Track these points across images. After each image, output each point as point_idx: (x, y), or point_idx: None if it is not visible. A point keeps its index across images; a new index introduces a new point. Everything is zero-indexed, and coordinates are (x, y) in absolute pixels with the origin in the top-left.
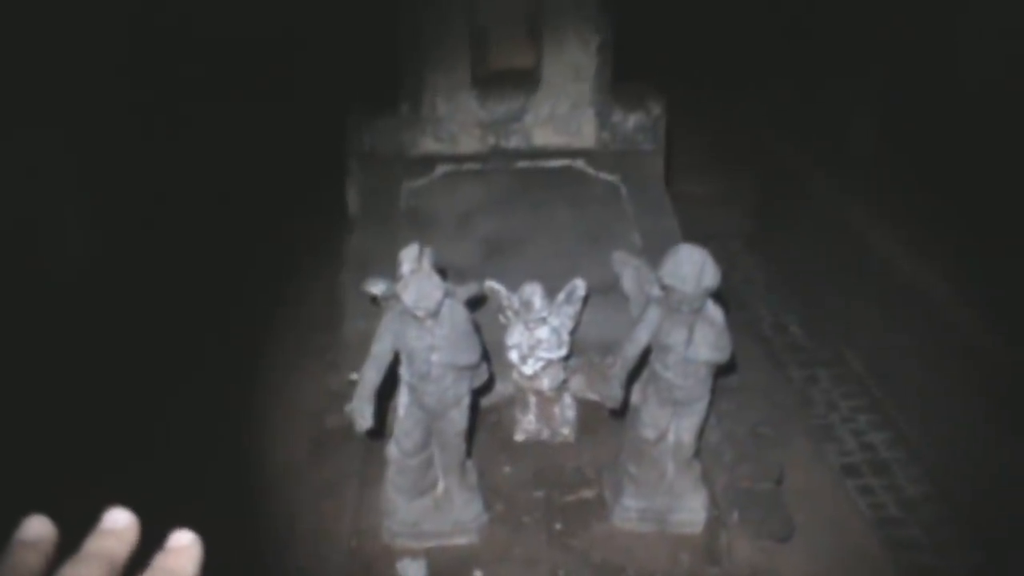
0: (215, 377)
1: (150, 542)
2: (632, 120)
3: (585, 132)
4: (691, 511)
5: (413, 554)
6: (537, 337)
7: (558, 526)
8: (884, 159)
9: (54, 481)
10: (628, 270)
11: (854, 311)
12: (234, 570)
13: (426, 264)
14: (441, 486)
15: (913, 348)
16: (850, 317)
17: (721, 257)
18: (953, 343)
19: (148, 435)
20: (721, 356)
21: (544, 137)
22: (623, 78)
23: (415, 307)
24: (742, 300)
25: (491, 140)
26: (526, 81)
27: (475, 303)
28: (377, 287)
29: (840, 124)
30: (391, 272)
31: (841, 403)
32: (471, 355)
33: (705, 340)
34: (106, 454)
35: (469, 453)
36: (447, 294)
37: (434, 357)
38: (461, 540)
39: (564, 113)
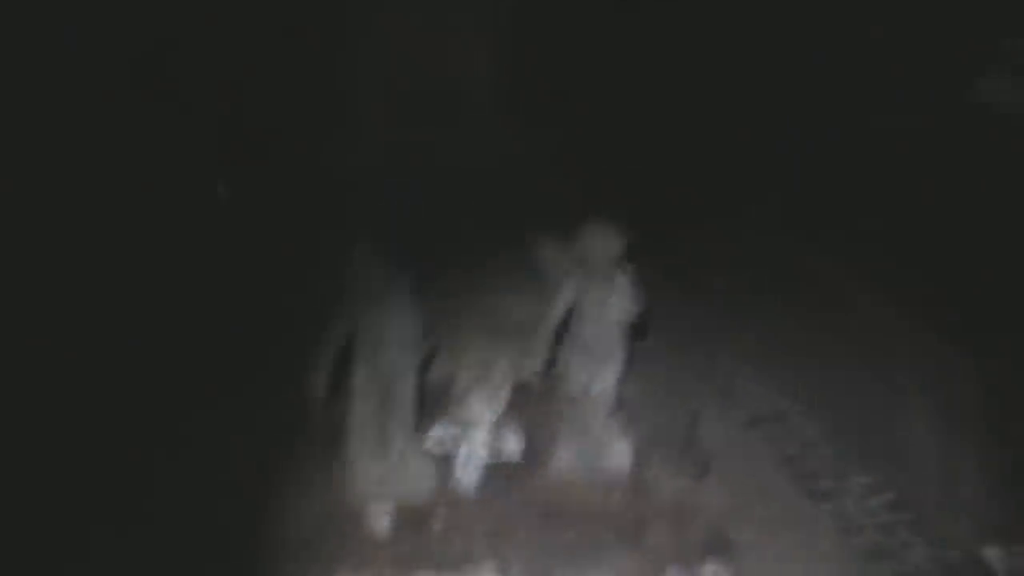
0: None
1: None
2: None
3: None
4: (618, 454)
5: (378, 509)
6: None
7: (503, 478)
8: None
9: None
10: (546, 244)
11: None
12: (214, 529)
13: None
14: (398, 446)
15: (812, 326)
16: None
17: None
18: (841, 310)
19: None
20: (633, 313)
21: None
22: None
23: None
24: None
25: None
26: None
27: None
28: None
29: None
30: None
31: (744, 366)
32: (413, 329)
33: (618, 300)
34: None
35: (421, 417)
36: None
37: (383, 332)
38: (420, 493)
39: None
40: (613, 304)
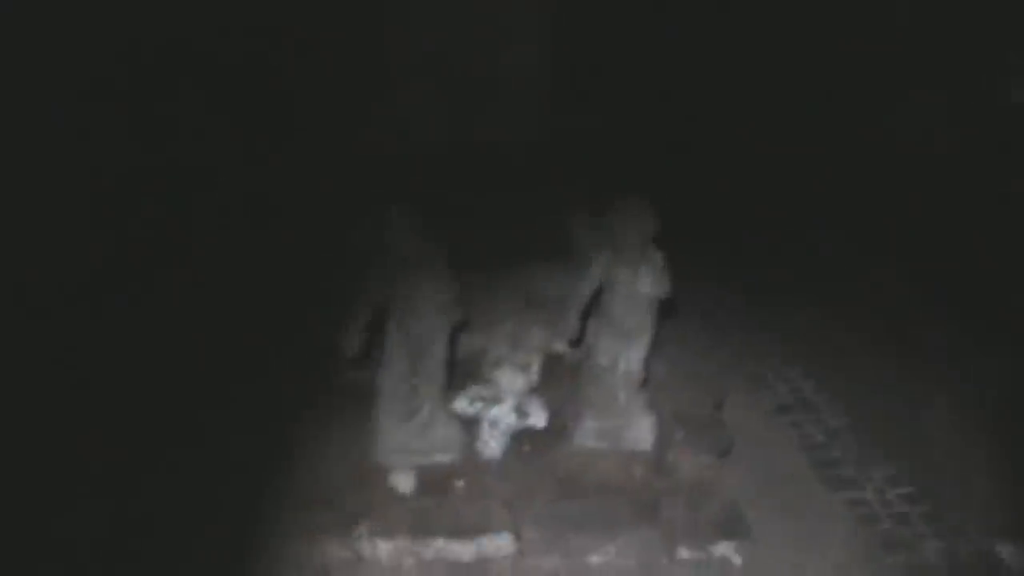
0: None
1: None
2: None
3: None
4: (641, 430)
5: (403, 470)
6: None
7: (527, 447)
8: None
9: None
10: (580, 222)
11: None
12: (252, 488)
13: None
14: (426, 411)
15: (844, 318)
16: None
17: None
18: (871, 305)
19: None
20: (662, 291)
21: None
22: None
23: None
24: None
25: None
26: None
27: (453, 253)
28: (358, 237)
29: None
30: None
31: (775, 353)
32: (445, 295)
33: (648, 277)
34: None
35: (450, 384)
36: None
37: (415, 296)
38: (444, 457)
39: None
40: (642, 283)
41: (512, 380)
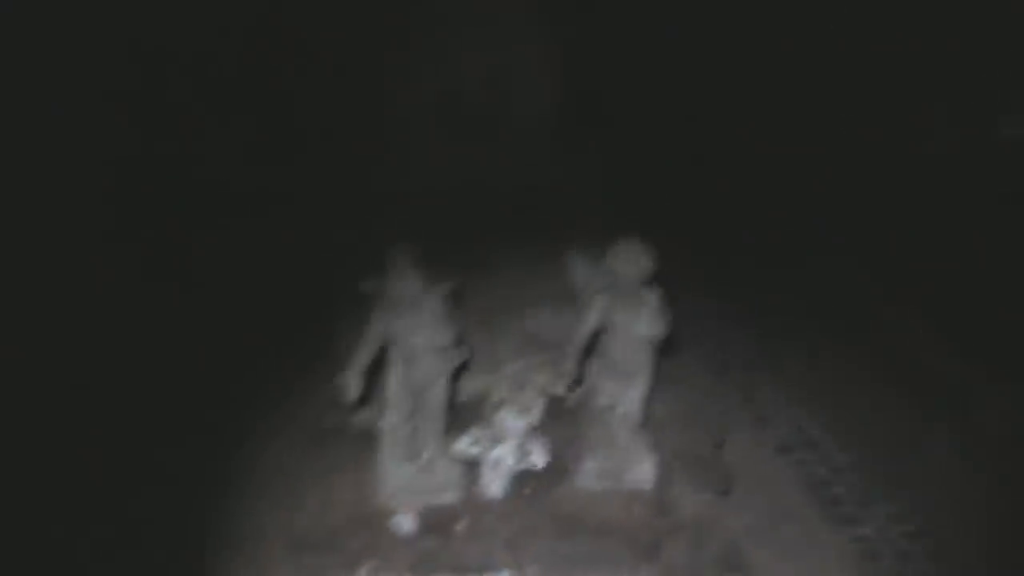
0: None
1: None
2: None
3: None
4: (642, 470)
5: (405, 511)
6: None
7: (529, 488)
8: None
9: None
10: (579, 264)
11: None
12: (253, 530)
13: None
14: (428, 452)
15: (848, 355)
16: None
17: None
18: (874, 341)
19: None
20: (660, 331)
21: None
22: None
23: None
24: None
25: None
26: None
27: (454, 296)
28: (368, 285)
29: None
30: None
31: (779, 392)
32: (445, 337)
33: (646, 318)
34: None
35: (452, 425)
36: (425, 288)
37: (416, 339)
38: (447, 498)
39: None
40: (641, 323)
41: (514, 421)
